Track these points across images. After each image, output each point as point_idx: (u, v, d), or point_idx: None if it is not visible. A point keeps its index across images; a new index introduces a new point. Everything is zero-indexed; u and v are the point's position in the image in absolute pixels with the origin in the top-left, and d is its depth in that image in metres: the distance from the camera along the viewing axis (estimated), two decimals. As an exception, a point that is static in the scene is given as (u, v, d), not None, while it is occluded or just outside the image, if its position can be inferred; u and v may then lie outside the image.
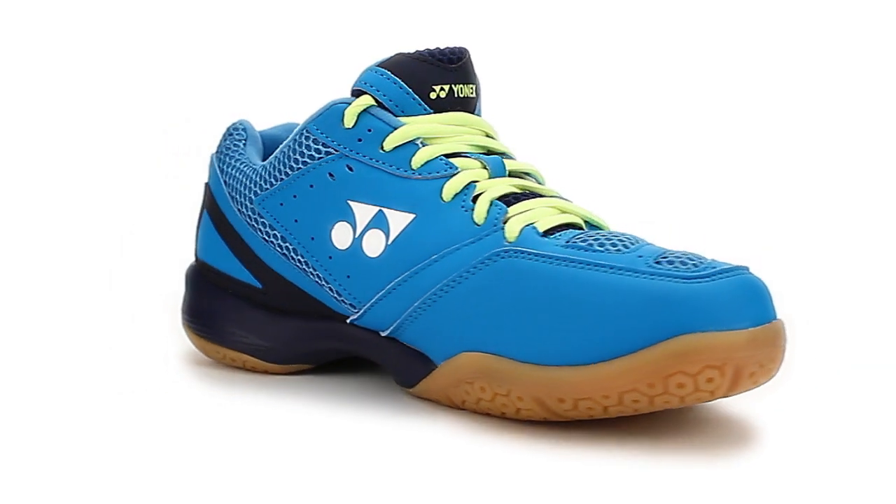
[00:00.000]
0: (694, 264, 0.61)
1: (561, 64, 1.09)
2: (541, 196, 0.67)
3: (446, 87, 0.68)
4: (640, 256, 0.62)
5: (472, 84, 0.69)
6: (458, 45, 0.69)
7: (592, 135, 1.00)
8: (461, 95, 0.68)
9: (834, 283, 0.92)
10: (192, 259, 0.75)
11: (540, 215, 0.65)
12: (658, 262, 0.61)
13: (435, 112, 0.67)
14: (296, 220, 0.69)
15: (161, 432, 0.64)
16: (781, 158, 1.07)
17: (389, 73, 0.67)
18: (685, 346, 0.59)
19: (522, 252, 0.63)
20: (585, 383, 0.60)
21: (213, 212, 0.72)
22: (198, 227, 0.74)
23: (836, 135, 1.08)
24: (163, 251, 0.91)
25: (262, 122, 0.78)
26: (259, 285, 0.71)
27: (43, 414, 0.66)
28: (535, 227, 0.64)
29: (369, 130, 0.67)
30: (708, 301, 0.59)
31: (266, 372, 0.72)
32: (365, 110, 0.67)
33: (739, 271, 0.61)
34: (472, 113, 0.69)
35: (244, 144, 0.73)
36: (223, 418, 0.66)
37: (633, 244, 0.63)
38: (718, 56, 1.11)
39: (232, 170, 0.72)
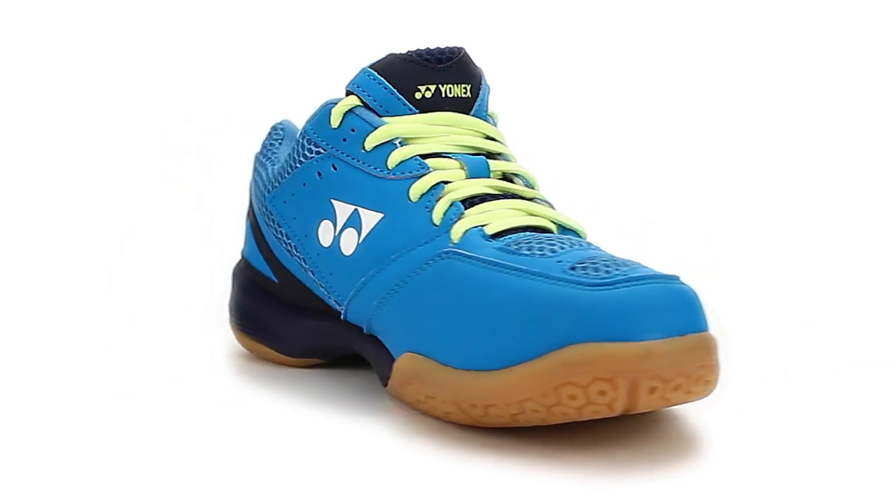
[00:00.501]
0: (607, 271, 0.59)
1: (567, 65, 1.09)
2: (515, 198, 0.66)
3: (432, 87, 0.68)
4: (560, 262, 0.60)
5: (467, 84, 0.68)
6: (456, 46, 0.69)
7: (594, 135, 1.00)
8: (450, 95, 0.68)
9: (834, 283, 0.92)
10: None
11: (496, 217, 0.64)
12: (573, 268, 0.59)
13: (420, 112, 0.67)
14: (294, 218, 0.70)
15: (198, 426, 0.64)
16: (781, 158, 1.07)
17: (376, 73, 0.68)
18: (575, 357, 0.57)
19: (459, 254, 0.63)
20: (490, 390, 0.60)
21: (249, 210, 0.74)
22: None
23: (836, 135, 1.08)
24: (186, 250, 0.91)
25: (263, 122, 0.78)
26: (276, 281, 0.72)
27: (85, 408, 0.67)
28: (482, 230, 0.64)
29: (353, 130, 0.68)
30: (604, 310, 0.57)
31: (283, 364, 0.72)
32: (350, 110, 0.68)
33: (654, 280, 0.58)
34: (468, 113, 0.68)
35: (280, 144, 0.74)
36: (255, 410, 0.67)
37: (562, 249, 0.61)
38: (719, 56, 1.11)
39: (261, 168, 0.73)
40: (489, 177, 0.67)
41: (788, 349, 0.77)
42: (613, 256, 0.61)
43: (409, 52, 0.68)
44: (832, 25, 1.10)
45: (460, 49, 0.69)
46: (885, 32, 1.09)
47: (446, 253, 0.63)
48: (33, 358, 0.75)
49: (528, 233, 0.64)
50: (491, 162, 0.67)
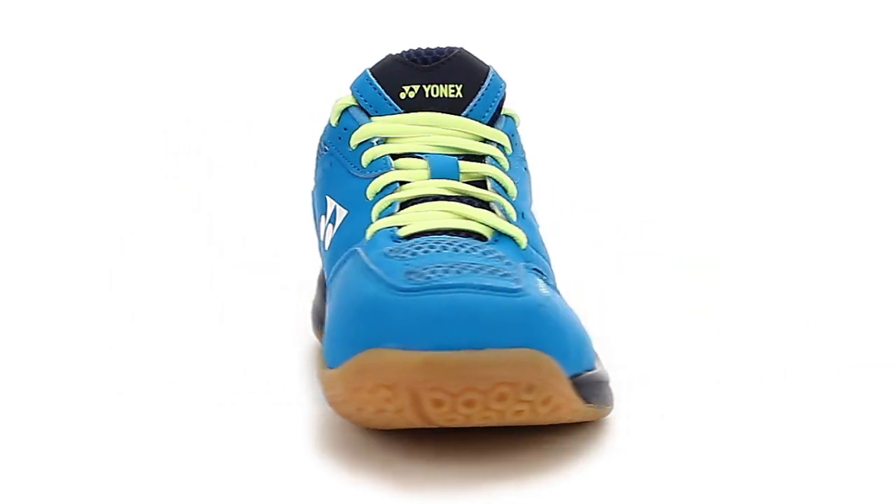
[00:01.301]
0: (429, 277, 0.56)
1: (567, 65, 1.09)
2: (461, 201, 0.66)
3: (416, 88, 0.68)
4: (407, 265, 0.58)
5: (457, 84, 0.69)
6: (455, 46, 0.69)
7: (594, 135, 1.00)
8: (435, 95, 0.68)
9: (833, 283, 0.92)
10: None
11: (421, 219, 0.64)
12: (410, 273, 0.57)
13: (405, 112, 0.68)
14: (315, 213, 0.72)
15: (198, 426, 0.65)
16: (781, 158, 1.07)
17: (370, 73, 0.69)
18: (364, 362, 0.56)
19: (356, 254, 0.63)
20: (327, 389, 0.60)
21: None
22: None
23: (835, 134, 1.08)
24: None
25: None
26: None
27: (84, 407, 0.67)
28: (394, 231, 0.64)
29: (345, 129, 0.69)
30: (400, 316, 0.55)
31: None
32: (345, 110, 0.69)
33: (457, 290, 0.55)
34: (459, 113, 0.68)
35: None
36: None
37: (444, 251, 0.60)
38: (719, 57, 1.11)
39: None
40: (457, 178, 0.66)
41: (788, 349, 0.77)
42: (489, 265, 0.58)
43: (402, 52, 0.69)
44: (832, 25, 1.10)
45: (453, 49, 0.69)
46: (885, 32, 1.09)
47: (351, 253, 0.64)
48: (32, 358, 0.75)
49: (445, 236, 0.62)
50: (463, 163, 0.67)
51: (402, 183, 0.66)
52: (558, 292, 0.64)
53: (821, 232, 0.98)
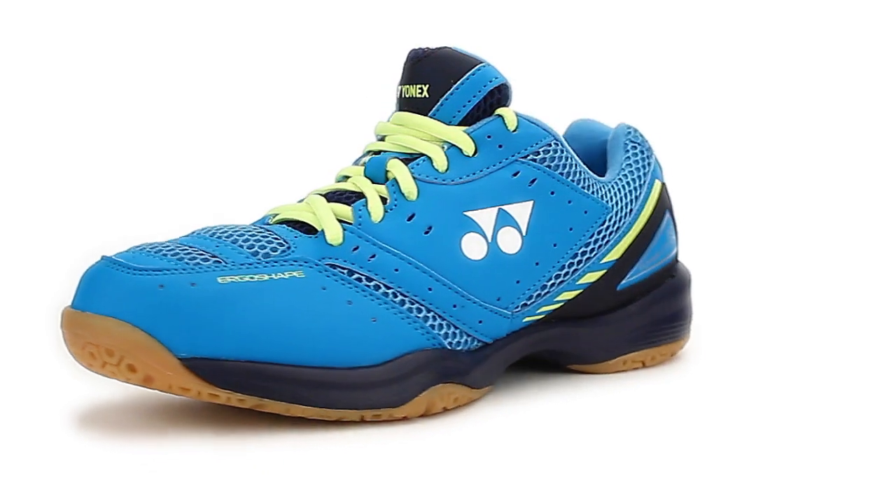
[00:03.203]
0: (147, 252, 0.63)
1: (569, 66, 1.09)
2: (335, 196, 0.68)
3: (399, 88, 0.71)
4: (178, 244, 0.64)
5: (423, 84, 0.69)
6: (440, 46, 0.70)
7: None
8: (407, 96, 0.70)
9: (833, 283, 0.92)
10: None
11: (285, 210, 0.68)
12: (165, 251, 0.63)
13: (397, 111, 0.71)
14: None
15: (197, 426, 0.64)
16: (780, 159, 1.07)
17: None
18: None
19: None
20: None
21: None
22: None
23: (834, 135, 1.08)
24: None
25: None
26: None
27: (82, 406, 0.67)
28: (268, 216, 0.68)
29: None
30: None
31: None
32: None
33: (111, 263, 0.62)
34: (426, 114, 0.69)
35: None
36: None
37: (228, 238, 0.65)
38: (718, 57, 1.11)
39: None
40: (383, 177, 0.68)
41: (787, 350, 0.77)
42: (218, 251, 0.63)
43: (408, 52, 0.71)
44: (832, 25, 1.10)
45: (424, 50, 0.70)
46: (884, 32, 1.09)
47: None
48: (30, 357, 0.76)
49: (280, 226, 0.67)
50: (390, 162, 0.68)
51: (346, 178, 0.69)
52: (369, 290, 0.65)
53: (820, 232, 0.98)
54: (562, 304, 0.71)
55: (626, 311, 0.74)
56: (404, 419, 0.65)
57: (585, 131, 0.78)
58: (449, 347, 0.66)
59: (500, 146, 0.69)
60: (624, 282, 0.74)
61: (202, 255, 0.63)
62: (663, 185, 0.76)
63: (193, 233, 0.66)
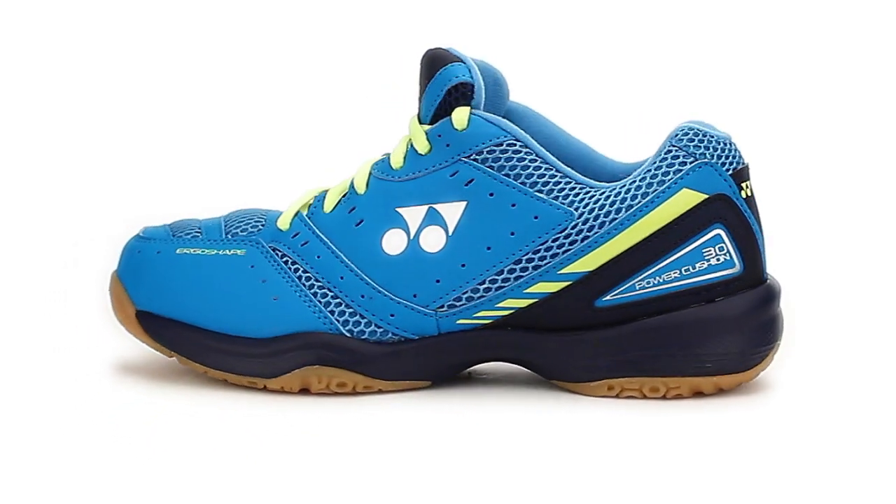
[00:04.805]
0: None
1: (569, 66, 1.09)
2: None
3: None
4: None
5: (420, 85, 0.70)
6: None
7: (594, 134, 0.99)
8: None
9: (833, 283, 0.92)
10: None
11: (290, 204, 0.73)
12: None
13: None
14: None
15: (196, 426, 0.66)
16: (780, 158, 1.07)
17: None
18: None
19: None
20: None
21: None
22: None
23: (835, 134, 1.08)
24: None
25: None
26: None
27: (80, 405, 0.69)
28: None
29: None
30: None
31: None
32: None
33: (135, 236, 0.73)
34: (418, 113, 0.70)
35: None
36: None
37: (228, 225, 0.73)
38: (720, 58, 1.11)
39: None
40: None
41: (786, 349, 0.77)
42: (202, 229, 0.72)
43: None
44: (832, 25, 1.10)
45: (426, 51, 0.70)
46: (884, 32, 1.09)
47: None
48: (30, 357, 0.76)
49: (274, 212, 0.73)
50: (365, 160, 0.71)
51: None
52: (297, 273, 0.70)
53: (819, 232, 0.98)
54: (511, 311, 0.68)
55: (614, 332, 0.68)
56: (281, 390, 0.70)
57: None
58: (349, 335, 0.69)
59: (448, 145, 0.69)
60: (608, 299, 0.68)
61: (195, 230, 0.72)
62: (712, 196, 0.68)
63: (234, 212, 0.74)
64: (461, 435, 0.65)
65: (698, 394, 0.69)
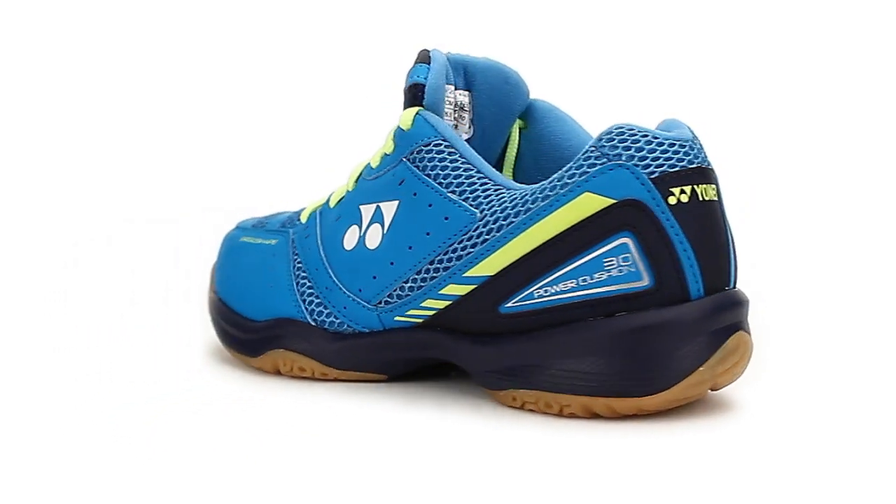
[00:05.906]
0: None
1: (570, 65, 1.09)
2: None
3: None
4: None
5: None
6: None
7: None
8: None
9: (832, 282, 0.92)
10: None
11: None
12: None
13: None
14: None
15: (196, 425, 0.66)
16: (780, 158, 1.07)
17: None
18: None
19: None
20: None
21: None
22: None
23: (834, 134, 1.08)
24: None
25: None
26: None
27: (79, 404, 0.69)
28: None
29: None
30: None
31: None
32: None
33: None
34: None
35: None
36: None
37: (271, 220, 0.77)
38: (719, 59, 1.11)
39: None
40: None
41: (785, 349, 0.77)
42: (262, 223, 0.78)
43: None
44: (833, 26, 1.10)
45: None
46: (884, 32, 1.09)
47: None
48: (29, 356, 0.76)
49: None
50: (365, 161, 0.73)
51: None
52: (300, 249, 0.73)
53: (819, 232, 0.98)
54: (433, 312, 0.67)
55: (514, 340, 0.65)
56: (260, 370, 0.74)
57: None
58: (313, 324, 0.72)
59: (397, 146, 0.69)
60: (510, 305, 0.65)
61: (266, 222, 0.77)
62: (621, 201, 0.62)
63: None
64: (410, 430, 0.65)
65: (595, 416, 0.63)
